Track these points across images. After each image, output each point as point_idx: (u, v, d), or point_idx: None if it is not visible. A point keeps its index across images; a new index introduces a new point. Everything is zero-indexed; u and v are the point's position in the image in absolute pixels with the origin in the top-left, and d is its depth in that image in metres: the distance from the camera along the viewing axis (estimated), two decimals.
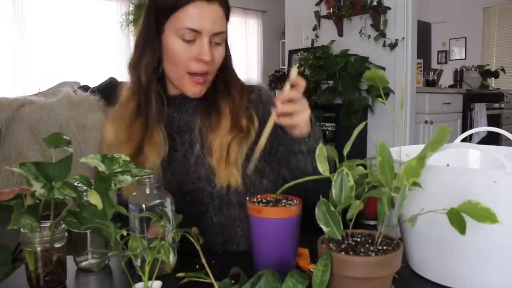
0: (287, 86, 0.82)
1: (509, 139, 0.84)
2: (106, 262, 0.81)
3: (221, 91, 0.98)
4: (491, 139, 3.49)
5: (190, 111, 1.00)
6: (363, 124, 0.66)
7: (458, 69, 4.42)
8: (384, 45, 3.05)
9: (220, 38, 0.92)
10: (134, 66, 0.95)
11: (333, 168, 0.65)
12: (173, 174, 0.98)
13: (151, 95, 0.94)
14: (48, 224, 0.71)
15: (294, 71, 0.82)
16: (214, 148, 0.94)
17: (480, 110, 3.77)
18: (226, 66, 0.99)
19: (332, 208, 0.60)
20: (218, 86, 0.99)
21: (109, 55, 5.20)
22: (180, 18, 0.89)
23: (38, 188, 0.65)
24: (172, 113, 1.00)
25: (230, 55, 1.01)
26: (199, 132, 0.97)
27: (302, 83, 0.82)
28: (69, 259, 0.80)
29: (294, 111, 0.83)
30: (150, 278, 0.65)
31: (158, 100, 0.95)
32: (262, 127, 0.85)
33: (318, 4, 3.40)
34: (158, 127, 0.94)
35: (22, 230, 0.70)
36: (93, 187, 0.69)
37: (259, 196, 0.77)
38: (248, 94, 1.02)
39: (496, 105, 4.21)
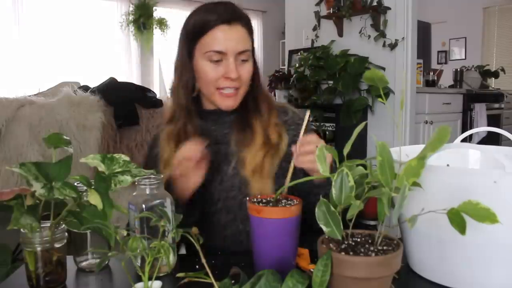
0: (300, 137, 0.84)
1: (509, 139, 0.84)
2: (106, 262, 0.81)
3: (251, 109, 1.05)
4: (491, 139, 3.49)
5: (226, 125, 1.06)
6: (363, 124, 0.66)
7: (458, 69, 4.42)
8: (384, 45, 3.05)
9: (245, 55, 1.00)
10: (175, 89, 1.05)
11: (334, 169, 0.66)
12: (207, 181, 1.01)
13: (191, 111, 1.03)
14: (48, 224, 0.71)
15: (306, 116, 0.83)
16: (248, 162, 0.99)
17: (480, 110, 3.77)
18: (255, 83, 1.06)
19: (332, 208, 0.60)
20: (248, 104, 1.05)
21: (109, 55, 5.20)
22: (206, 43, 0.97)
23: (38, 188, 0.65)
24: (210, 126, 1.06)
25: (258, 73, 1.07)
26: (235, 146, 1.03)
27: (314, 140, 0.85)
28: (69, 259, 0.80)
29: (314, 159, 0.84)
30: (150, 278, 0.65)
31: (195, 115, 1.04)
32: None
33: (318, 4, 3.40)
34: (196, 137, 1.01)
35: (22, 230, 0.70)
36: (93, 187, 0.69)
37: (259, 196, 0.77)
38: (281, 113, 1.08)
39: (496, 105, 4.21)
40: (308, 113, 0.84)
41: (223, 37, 0.96)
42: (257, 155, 0.99)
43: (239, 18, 0.98)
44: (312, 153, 0.85)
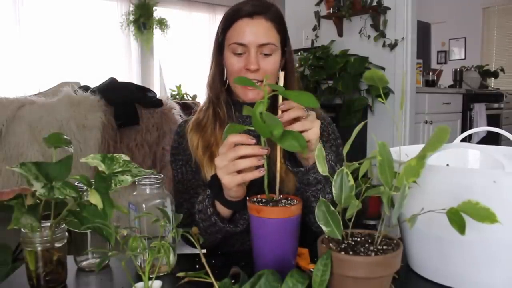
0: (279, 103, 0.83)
1: (508, 139, 0.84)
2: (106, 262, 0.82)
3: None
4: (490, 139, 3.50)
5: None
6: (362, 124, 0.66)
7: (458, 69, 4.42)
8: (384, 45, 3.06)
9: (268, 49, 1.00)
10: (208, 81, 1.09)
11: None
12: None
13: (220, 102, 1.06)
14: (49, 224, 0.72)
15: (281, 76, 0.79)
16: (278, 160, 0.96)
17: (479, 110, 3.77)
18: (287, 81, 1.03)
19: (332, 208, 0.61)
20: (278, 101, 1.03)
21: (109, 55, 5.20)
22: (231, 35, 1.01)
23: (38, 188, 0.65)
24: (245, 118, 1.07)
25: (292, 72, 1.07)
26: (268, 141, 1.01)
27: (292, 105, 0.82)
28: (70, 259, 0.80)
29: (302, 129, 0.81)
30: (150, 278, 0.65)
31: (227, 106, 1.07)
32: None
33: (318, 4, 3.40)
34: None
35: (22, 230, 0.71)
36: (93, 187, 0.69)
37: (259, 196, 0.77)
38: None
39: (496, 105, 4.22)
40: (282, 74, 0.81)
41: (244, 30, 0.99)
42: (286, 153, 0.96)
43: (264, 12, 1.00)
44: (300, 118, 0.80)
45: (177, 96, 4.78)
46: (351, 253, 0.58)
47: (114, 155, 0.75)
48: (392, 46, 3.02)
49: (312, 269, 0.60)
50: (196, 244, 0.66)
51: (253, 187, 0.85)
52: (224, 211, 0.87)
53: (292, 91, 0.72)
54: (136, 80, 5.31)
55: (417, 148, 0.71)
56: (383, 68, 3.01)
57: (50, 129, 1.92)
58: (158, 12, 5.34)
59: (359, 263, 0.56)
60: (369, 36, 3.12)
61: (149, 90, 2.51)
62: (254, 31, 0.99)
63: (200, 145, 1.03)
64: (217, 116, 1.05)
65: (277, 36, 1.02)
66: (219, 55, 1.06)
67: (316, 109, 1.12)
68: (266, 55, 1.00)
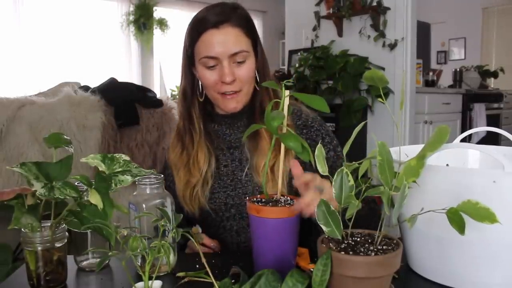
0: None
1: (508, 139, 0.84)
2: (107, 261, 0.82)
3: (257, 112, 1.02)
4: (490, 139, 3.49)
5: (241, 129, 1.05)
6: (362, 124, 0.67)
7: (458, 69, 4.42)
8: (383, 45, 3.06)
9: (240, 56, 0.96)
10: (179, 93, 1.06)
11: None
12: (220, 187, 1.02)
13: (193, 115, 1.02)
14: (49, 224, 0.72)
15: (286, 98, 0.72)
16: (260, 169, 0.97)
17: (479, 110, 3.77)
18: (260, 82, 1.01)
19: (332, 208, 0.61)
20: (255, 107, 1.03)
21: (109, 55, 5.20)
22: (199, 49, 0.96)
23: (38, 188, 0.65)
24: (224, 130, 1.05)
25: (263, 71, 1.02)
26: (248, 151, 1.01)
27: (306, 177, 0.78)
28: (70, 259, 0.80)
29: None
30: (150, 278, 0.65)
31: (202, 119, 1.03)
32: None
33: (318, 4, 3.40)
34: (202, 142, 1.02)
35: (23, 229, 0.71)
36: (93, 187, 0.69)
37: (258, 196, 0.78)
38: (294, 117, 1.04)
39: (495, 105, 4.22)
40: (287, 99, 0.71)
41: (211, 42, 0.94)
42: (268, 161, 0.95)
43: (228, 19, 0.94)
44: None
45: (177, 96, 4.78)
46: (351, 253, 0.58)
47: (114, 155, 0.75)
48: (392, 46, 3.02)
49: (312, 269, 0.60)
50: (196, 244, 0.66)
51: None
52: None
53: (306, 95, 0.67)
54: (136, 80, 5.31)
55: (417, 148, 0.71)
56: (383, 68, 3.01)
57: (50, 129, 1.92)
58: (158, 12, 5.34)
59: (359, 263, 0.56)
60: (369, 36, 3.13)
61: (149, 90, 2.51)
62: (223, 42, 0.93)
63: (172, 163, 1.05)
64: (187, 133, 1.02)
65: (247, 40, 0.97)
66: (189, 68, 1.02)
67: (303, 109, 1.06)
68: (239, 63, 0.96)
